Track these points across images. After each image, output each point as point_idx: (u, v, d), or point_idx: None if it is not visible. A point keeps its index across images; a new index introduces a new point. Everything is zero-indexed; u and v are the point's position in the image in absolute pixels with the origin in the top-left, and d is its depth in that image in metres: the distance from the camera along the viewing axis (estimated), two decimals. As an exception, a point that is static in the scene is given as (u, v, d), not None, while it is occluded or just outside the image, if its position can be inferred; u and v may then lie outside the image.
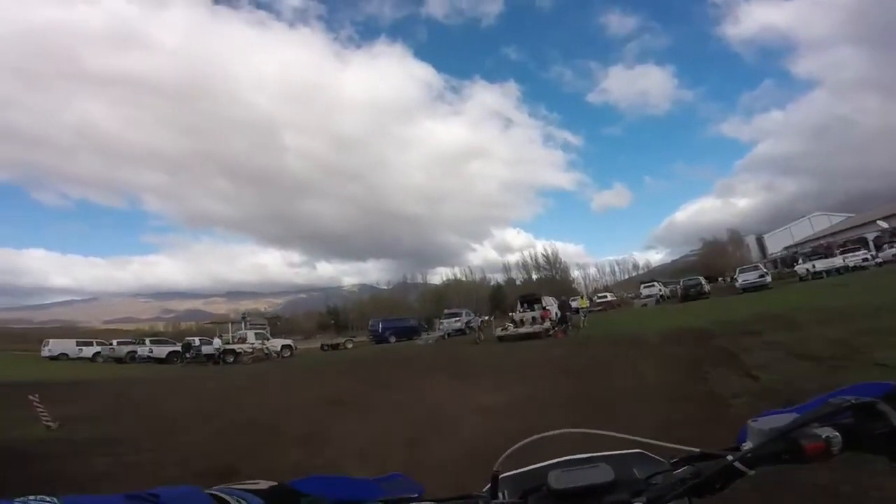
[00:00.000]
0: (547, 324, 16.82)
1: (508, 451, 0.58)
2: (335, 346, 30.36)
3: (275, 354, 24.23)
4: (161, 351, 26.27)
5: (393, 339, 30.36)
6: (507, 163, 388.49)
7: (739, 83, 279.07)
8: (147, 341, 29.32)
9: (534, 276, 65.77)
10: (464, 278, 78.55)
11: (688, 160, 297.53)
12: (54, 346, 33.49)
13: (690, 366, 7.06)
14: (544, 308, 18.77)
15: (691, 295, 31.77)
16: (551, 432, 0.59)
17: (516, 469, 0.67)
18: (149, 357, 26.13)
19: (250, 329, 27.68)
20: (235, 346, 24.03)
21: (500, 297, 63.72)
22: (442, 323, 28.70)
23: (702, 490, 0.53)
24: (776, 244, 64.68)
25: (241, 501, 0.47)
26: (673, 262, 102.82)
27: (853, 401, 0.51)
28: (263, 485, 0.52)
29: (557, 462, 0.65)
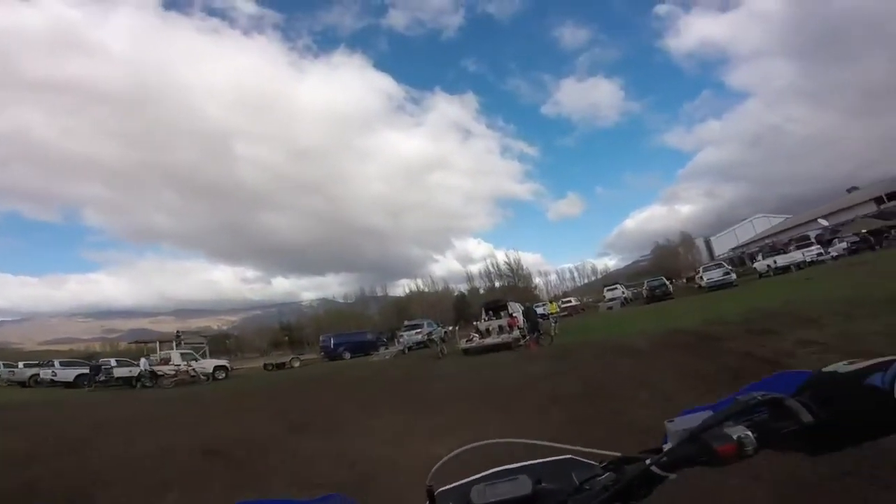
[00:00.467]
0: (516, 332, 14.79)
1: (438, 464, 0.57)
2: (280, 366, 27.07)
3: (204, 377, 20.78)
4: (68, 374, 22.17)
5: (348, 356, 27.52)
6: (466, 174, 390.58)
7: (681, 94, 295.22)
8: (56, 363, 24.93)
9: (496, 284, 64.48)
10: (426, 289, 76.27)
11: (636, 170, 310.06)
12: None
13: (725, 382, 5.13)
14: (511, 315, 16.77)
15: (657, 295, 31.50)
16: (478, 443, 0.58)
17: (452, 482, 0.65)
18: (52, 381, 21.97)
19: (177, 349, 24.11)
20: (156, 368, 20.48)
21: (464, 307, 61.79)
22: (401, 336, 26.16)
23: (627, 497, 0.50)
24: (722, 246, 67.21)
25: None
26: (626, 267, 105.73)
27: (759, 397, 0.49)
28: None
29: (486, 475, 0.63)
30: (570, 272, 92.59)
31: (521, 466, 0.65)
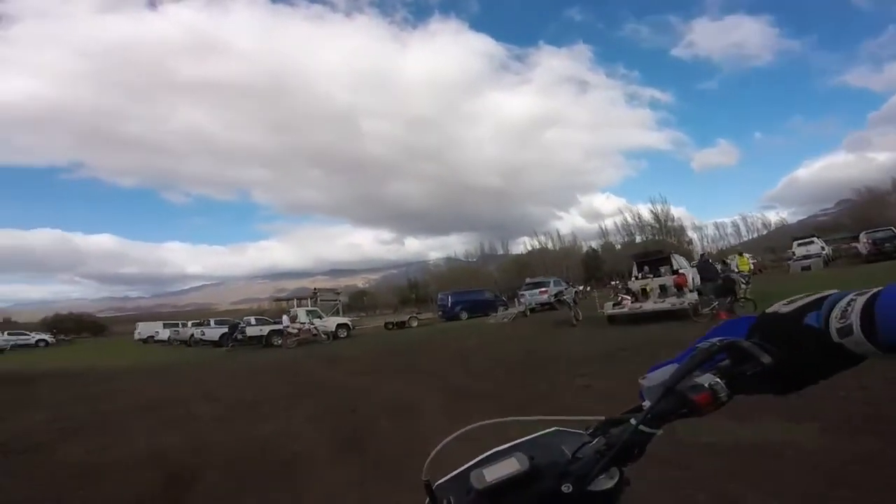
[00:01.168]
0: (690, 296, 10.22)
1: (430, 455, 0.57)
2: (400, 325, 26.29)
3: (325, 336, 20.55)
4: (214, 333, 24.22)
5: (465, 315, 25.46)
6: (586, 127, 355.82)
7: (857, 31, 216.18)
8: (212, 322, 28.07)
9: (637, 239, 55.81)
10: (550, 245, 70.73)
11: (807, 114, 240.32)
12: (143, 330, 35.42)
13: None
14: (676, 272, 12.06)
15: (886, 251, 23.01)
16: (465, 428, 0.59)
17: (448, 472, 0.63)
18: (202, 340, 24.39)
19: (309, 306, 24.73)
20: (282, 326, 20.91)
21: (596, 264, 55.49)
22: (523, 295, 22.82)
23: (624, 458, 0.51)
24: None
25: None
26: (799, 222, 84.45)
27: (718, 343, 0.50)
28: None
29: (481, 459, 0.61)
30: (735, 225, 76.78)
31: (512, 446, 0.61)
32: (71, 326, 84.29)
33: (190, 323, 31.28)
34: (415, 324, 25.89)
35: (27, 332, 39.75)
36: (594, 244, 66.08)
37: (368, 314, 66.15)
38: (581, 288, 22.20)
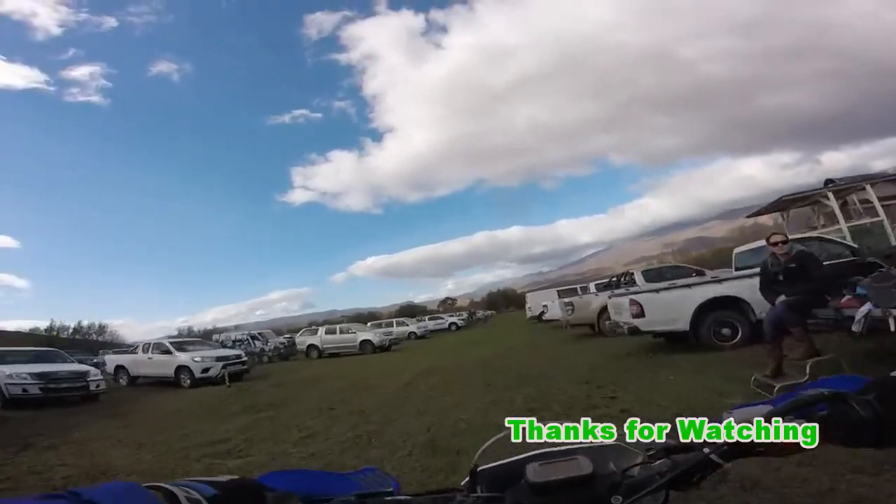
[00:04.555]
0: None
1: (485, 444, 0.59)
2: None
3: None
4: (588, 311, 12.86)
5: None
6: None
7: None
8: (591, 286, 18.74)
9: None
10: None
11: None
12: (532, 303, 31.89)
13: None
14: None
15: None
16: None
17: (495, 462, 0.65)
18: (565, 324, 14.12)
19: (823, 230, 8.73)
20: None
21: None
22: None
23: (679, 483, 0.51)
24: None
25: (190, 492, 0.43)
26: None
27: (825, 393, 0.50)
28: (223, 478, 0.49)
29: (535, 454, 0.62)
30: None
31: (570, 448, 0.62)
32: (501, 301, 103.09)
33: (592, 285, 20.41)
34: None
35: (442, 316, 45.33)
36: None
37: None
38: None
